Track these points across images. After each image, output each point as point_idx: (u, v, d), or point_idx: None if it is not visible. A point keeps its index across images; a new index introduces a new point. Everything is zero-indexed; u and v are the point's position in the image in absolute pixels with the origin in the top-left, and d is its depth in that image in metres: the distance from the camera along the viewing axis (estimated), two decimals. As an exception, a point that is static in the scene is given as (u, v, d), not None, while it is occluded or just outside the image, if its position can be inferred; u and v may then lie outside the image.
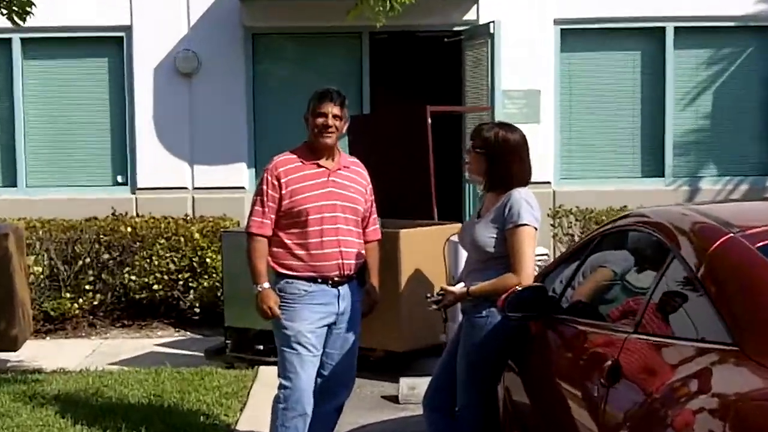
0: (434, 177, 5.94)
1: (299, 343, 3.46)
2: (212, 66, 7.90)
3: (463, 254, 3.71)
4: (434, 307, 3.30)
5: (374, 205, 3.78)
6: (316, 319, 3.49)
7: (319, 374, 3.57)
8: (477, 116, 7.53)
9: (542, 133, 7.86)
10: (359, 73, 7.98)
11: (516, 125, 3.37)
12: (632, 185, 8.04)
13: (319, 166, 3.56)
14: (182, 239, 6.93)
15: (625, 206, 7.18)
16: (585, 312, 2.99)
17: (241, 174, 8.05)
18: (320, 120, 3.48)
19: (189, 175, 8.04)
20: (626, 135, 8.12)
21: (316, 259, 3.49)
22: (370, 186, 3.72)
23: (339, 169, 3.57)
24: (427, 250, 5.17)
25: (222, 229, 6.78)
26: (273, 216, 3.50)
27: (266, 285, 3.49)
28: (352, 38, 8.03)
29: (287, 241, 3.51)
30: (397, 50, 8.83)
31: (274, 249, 3.53)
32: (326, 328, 3.53)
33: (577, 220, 7.17)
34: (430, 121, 5.96)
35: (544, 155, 7.62)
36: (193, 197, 8.03)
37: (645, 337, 2.45)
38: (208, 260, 6.83)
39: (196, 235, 6.91)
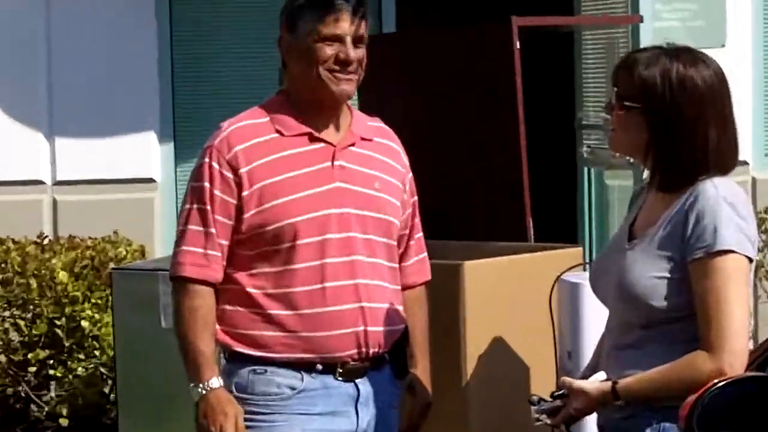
0: (527, 158, 5.77)
1: None
2: None
3: (595, 309, 3.68)
4: (546, 420, 3.27)
5: (417, 209, 3.84)
6: (313, 447, 3.62)
7: None
8: (608, 36, 7.42)
9: (731, 70, 7.22)
10: None
11: (706, 54, 3.24)
12: None
13: (315, 139, 3.58)
14: (33, 283, 6.75)
15: None
16: None
17: (147, 155, 8.10)
18: (330, 48, 3.49)
19: (46, 160, 8.07)
20: None
21: (313, 324, 3.52)
22: (411, 175, 3.79)
23: (352, 145, 3.62)
24: (515, 296, 5.15)
25: (112, 264, 6.81)
26: (226, 243, 3.53)
27: (215, 382, 3.50)
28: None
29: (254, 291, 3.53)
30: None
31: (229, 308, 3.56)
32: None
33: (761, 222, 7.40)
34: (518, 46, 5.79)
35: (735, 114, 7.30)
36: (54, 200, 8.08)
37: None
38: (84, 324, 6.74)
39: (61, 276, 6.79)
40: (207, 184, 3.53)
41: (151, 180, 8.11)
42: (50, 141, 8.08)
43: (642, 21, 6.89)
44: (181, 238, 3.57)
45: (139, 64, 8.10)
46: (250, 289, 3.54)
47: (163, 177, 8.19)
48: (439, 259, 4.60)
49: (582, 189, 7.72)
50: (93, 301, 6.80)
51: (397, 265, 3.73)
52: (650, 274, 3.14)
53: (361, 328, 3.53)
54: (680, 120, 3.16)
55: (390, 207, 3.67)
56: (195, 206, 3.56)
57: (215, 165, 3.53)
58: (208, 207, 3.53)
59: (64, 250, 7.11)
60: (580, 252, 5.38)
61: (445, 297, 4.87)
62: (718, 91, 3.19)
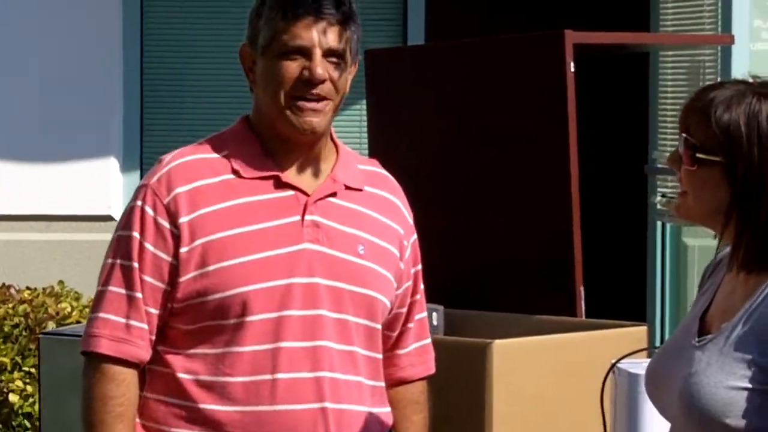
0: (579, 209, 5.69)
1: None
2: None
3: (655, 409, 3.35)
4: None
5: (421, 281, 3.70)
6: None
7: None
8: (692, 59, 7.64)
9: None
10: None
11: None
12: None
13: (282, 184, 3.43)
14: None
15: None
16: None
17: (106, 188, 8.28)
18: (292, 65, 3.35)
19: None
20: None
21: (257, 426, 3.37)
22: (415, 237, 3.65)
23: (332, 194, 3.46)
24: (556, 385, 5.05)
25: (49, 324, 6.87)
26: (155, 311, 3.37)
27: None
28: None
29: (186, 378, 3.37)
30: None
31: (152, 397, 3.41)
32: None
33: None
34: (573, 68, 5.74)
35: None
36: None
37: None
38: (13, 399, 6.78)
39: None
40: (136, 235, 3.36)
41: (109, 218, 8.08)
42: None
43: (733, 42, 6.91)
44: (98, 302, 3.40)
45: (100, 83, 8.37)
46: (181, 375, 3.39)
47: (119, 210, 8.02)
48: (464, 335, 4.57)
49: (654, 249, 7.81)
50: (25, 369, 6.71)
51: (380, 356, 3.55)
52: (726, 383, 2.87)
53: None
54: None
55: (377, 279, 3.49)
56: (119, 262, 3.39)
57: (149, 210, 3.37)
58: (135, 264, 3.36)
59: None
60: (644, 332, 5.25)
61: (468, 384, 4.81)
62: None
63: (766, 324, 2.86)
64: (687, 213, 3.04)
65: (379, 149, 6.02)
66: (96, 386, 3.33)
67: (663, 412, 3.06)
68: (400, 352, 3.64)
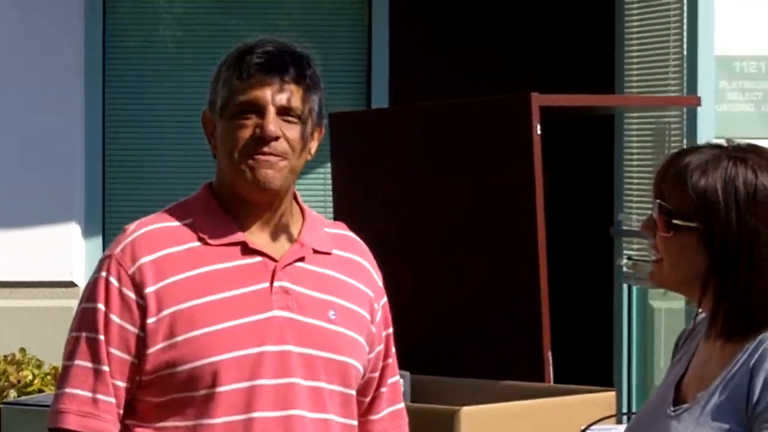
0: (547, 273, 5.66)
1: None
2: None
3: None
4: None
5: (392, 344, 3.65)
6: None
7: None
8: (658, 121, 7.56)
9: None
10: (363, 20, 8.46)
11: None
12: None
13: (250, 251, 3.36)
14: None
15: None
16: None
17: (68, 253, 8.26)
18: (245, 125, 3.30)
19: None
20: None
21: None
22: (385, 300, 3.58)
23: (301, 259, 3.39)
24: None
25: (12, 393, 6.96)
26: (123, 384, 3.28)
27: None
28: None
29: None
30: None
31: None
32: None
33: None
34: (539, 131, 5.66)
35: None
36: None
37: None
38: None
39: None
40: (101, 306, 3.27)
41: (71, 284, 8.09)
42: None
43: (700, 104, 6.85)
44: (64, 377, 3.31)
45: (61, 146, 8.34)
46: None
47: (84, 278, 8.07)
48: (431, 402, 4.69)
49: (620, 312, 7.69)
50: None
51: (356, 423, 3.46)
52: None
53: None
54: (752, 246, 2.91)
55: (350, 345, 3.40)
56: (84, 335, 3.29)
57: (113, 281, 3.28)
58: (101, 337, 3.26)
59: None
60: (613, 397, 5.24)
61: None
62: None
63: (743, 393, 2.81)
64: (662, 280, 3.01)
65: (345, 212, 6.02)
66: None
67: None
68: (374, 417, 3.56)
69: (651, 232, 2.97)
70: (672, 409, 2.92)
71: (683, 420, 2.88)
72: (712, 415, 2.84)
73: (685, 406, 2.89)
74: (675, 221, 2.91)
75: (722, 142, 3.00)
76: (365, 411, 3.52)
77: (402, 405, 3.64)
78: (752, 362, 2.82)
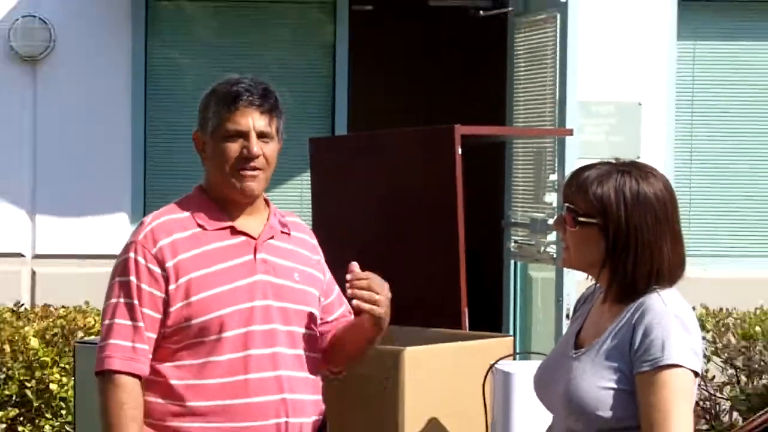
0: (464, 255, 5.58)
1: None
2: (73, 44, 7.88)
3: (526, 398, 3.62)
4: None
5: (334, 281, 3.62)
6: None
7: None
8: (537, 145, 7.39)
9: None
10: (329, 67, 8.11)
11: (652, 167, 3.12)
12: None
13: (236, 232, 3.39)
14: (7, 348, 6.60)
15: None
16: None
17: (116, 232, 7.81)
18: (233, 145, 3.33)
19: (28, 233, 7.99)
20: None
21: (234, 415, 3.28)
22: (321, 255, 3.60)
23: (271, 238, 3.43)
24: (451, 384, 4.94)
25: (81, 334, 6.66)
26: (153, 336, 3.30)
27: None
28: (318, 7, 8.25)
29: (176, 383, 3.28)
30: (394, 31, 9.21)
31: (152, 400, 3.30)
32: None
33: (703, 329, 6.75)
34: (460, 151, 5.62)
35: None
36: (32, 272, 7.99)
37: None
38: (53, 387, 6.53)
39: (33, 342, 6.63)
40: (134, 279, 3.30)
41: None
42: (32, 217, 7.96)
43: (572, 134, 6.83)
44: (108, 331, 3.32)
45: (115, 150, 8.03)
46: (173, 381, 3.31)
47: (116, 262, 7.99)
48: (379, 344, 4.39)
49: (508, 280, 7.61)
50: (61, 365, 6.61)
51: (318, 356, 3.49)
52: (597, 384, 2.96)
53: (283, 419, 3.32)
54: (637, 236, 2.99)
55: (311, 298, 3.47)
56: (122, 300, 3.31)
57: (141, 260, 3.30)
58: (136, 301, 3.29)
59: (37, 319, 6.98)
60: (510, 342, 5.21)
61: (383, 381, 4.69)
62: (670, 205, 3.05)
63: (627, 341, 2.90)
64: (570, 264, 3.10)
65: (321, 213, 5.96)
66: (113, 395, 3.24)
67: (549, 407, 3.06)
68: (339, 313, 3.54)
69: (561, 228, 3.04)
70: (573, 352, 3.01)
71: (582, 360, 2.97)
72: (604, 356, 2.93)
73: (583, 350, 2.98)
74: (580, 219, 2.98)
75: (612, 160, 3.04)
76: (333, 315, 3.50)
77: (346, 305, 3.54)
78: (634, 319, 2.91)
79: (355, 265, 3.35)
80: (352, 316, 3.50)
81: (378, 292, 3.32)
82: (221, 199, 3.38)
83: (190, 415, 3.26)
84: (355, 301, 3.31)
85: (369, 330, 3.38)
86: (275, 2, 8.21)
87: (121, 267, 3.28)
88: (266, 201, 3.47)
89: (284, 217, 3.52)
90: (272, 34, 8.18)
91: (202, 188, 3.43)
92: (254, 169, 3.31)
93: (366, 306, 3.28)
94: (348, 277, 3.33)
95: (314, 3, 8.15)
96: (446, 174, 5.69)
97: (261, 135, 3.31)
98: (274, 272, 3.35)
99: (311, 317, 3.41)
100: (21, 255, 7.93)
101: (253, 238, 3.36)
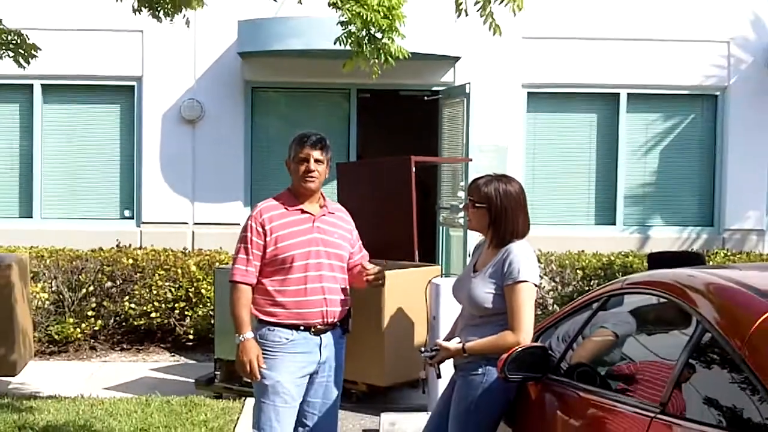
0: (416, 224, 5.59)
1: (277, 394, 3.06)
2: (214, 114, 7.69)
3: (447, 298, 3.58)
4: (428, 361, 2.90)
5: (361, 244, 3.39)
6: (296, 369, 3.10)
7: (300, 423, 3.17)
8: (453, 167, 7.27)
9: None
10: (347, 126, 7.77)
11: (513, 177, 2.98)
12: (588, 232, 7.79)
13: (303, 212, 3.20)
14: (180, 271, 6.53)
15: (582, 251, 7.12)
16: (591, 378, 2.56)
17: (237, 212, 7.73)
18: (302, 165, 3.15)
19: (190, 211, 7.71)
20: (583, 187, 7.92)
21: (300, 306, 3.11)
22: (356, 231, 3.35)
23: (324, 215, 3.22)
24: (409, 290, 4.92)
25: (217, 264, 6.45)
26: (258, 263, 3.12)
27: (249, 334, 3.08)
28: (341, 94, 7.81)
29: (270, 288, 3.12)
30: (382, 106, 8.69)
31: (257, 296, 3.14)
32: (307, 377, 3.14)
33: (539, 262, 6.60)
34: (414, 170, 5.63)
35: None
36: (193, 232, 7.69)
37: (680, 422, 1.98)
38: (203, 291, 6.46)
39: (193, 268, 6.54)
40: (249, 234, 3.15)
41: (237, 224, 7.49)
42: (192, 203, 7.67)
43: (471, 161, 6.72)
44: (235, 260, 3.17)
45: (236, 169, 7.67)
46: (268, 287, 3.14)
47: (243, 223, 7.37)
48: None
49: (440, 238, 7.48)
50: (208, 281, 6.48)
51: (346, 277, 3.23)
52: (485, 290, 2.84)
53: (325, 308, 3.15)
54: (506, 214, 2.86)
55: (344, 248, 3.26)
56: (242, 245, 3.16)
57: (254, 225, 3.15)
58: (250, 246, 3.14)
59: (194, 256, 6.84)
60: (438, 269, 5.27)
61: (373, 289, 4.26)
62: (522, 197, 2.90)
63: (500, 268, 2.81)
64: (471, 228, 3.01)
65: (345, 204, 5.41)
66: (235, 294, 3.12)
67: (459, 300, 2.96)
68: (356, 259, 3.33)
69: (467, 210, 2.96)
70: (473, 274, 2.92)
71: (476, 278, 2.88)
72: (488, 276, 2.85)
73: (478, 273, 2.90)
74: (476, 205, 2.90)
75: (492, 173, 2.92)
76: (353, 260, 3.30)
77: (366, 255, 3.36)
78: (503, 257, 2.83)
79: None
80: (366, 261, 3.32)
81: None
82: (297, 193, 3.20)
83: (276, 305, 3.14)
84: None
85: (371, 283, 3.22)
86: (319, 91, 7.76)
87: (244, 228, 3.16)
88: (322, 195, 3.26)
89: (331, 204, 3.30)
90: (317, 108, 7.80)
91: (289, 189, 3.24)
92: (312, 178, 3.15)
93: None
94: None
95: (337, 91, 7.71)
96: (407, 181, 5.61)
97: (317, 161, 3.15)
98: (324, 232, 3.19)
99: (342, 257, 3.22)
100: (186, 223, 7.67)
101: (313, 215, 3.19)
